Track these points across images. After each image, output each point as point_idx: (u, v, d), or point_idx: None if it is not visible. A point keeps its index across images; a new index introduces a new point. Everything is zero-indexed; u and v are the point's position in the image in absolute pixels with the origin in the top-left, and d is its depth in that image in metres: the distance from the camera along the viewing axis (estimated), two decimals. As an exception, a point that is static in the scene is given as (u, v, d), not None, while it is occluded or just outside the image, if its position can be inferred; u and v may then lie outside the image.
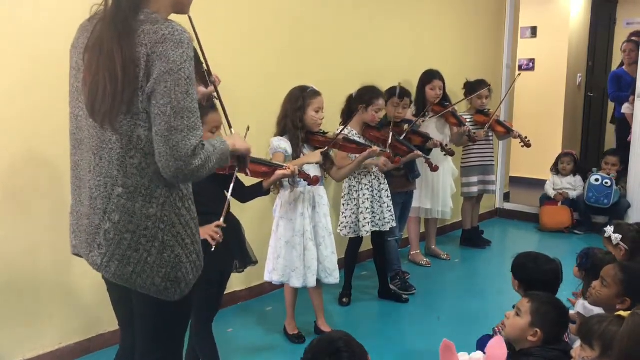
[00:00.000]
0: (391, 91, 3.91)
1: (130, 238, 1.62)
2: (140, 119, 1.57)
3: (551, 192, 5.79)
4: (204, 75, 2.04)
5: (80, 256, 1.78)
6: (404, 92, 3.93)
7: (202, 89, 2.37)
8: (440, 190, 4.63)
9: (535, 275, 2.67)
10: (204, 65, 2.07)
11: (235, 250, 2.63)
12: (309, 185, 3.07)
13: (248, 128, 2.46)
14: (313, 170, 3.15)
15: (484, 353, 2.06)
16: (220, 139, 1.75)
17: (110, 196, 1.61)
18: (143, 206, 1.61)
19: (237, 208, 2.59)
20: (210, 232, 2.37)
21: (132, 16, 1.56)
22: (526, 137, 4.85)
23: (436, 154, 4.34)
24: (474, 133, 4.66)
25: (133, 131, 1.58)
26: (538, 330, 2.15)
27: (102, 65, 1.55)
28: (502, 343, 1.89)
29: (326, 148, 3.15)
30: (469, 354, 2.08)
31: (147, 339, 1.81)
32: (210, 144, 1.65)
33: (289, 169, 2.76)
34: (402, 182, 4.07)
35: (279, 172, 2.73)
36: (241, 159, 1.95)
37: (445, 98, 4.50)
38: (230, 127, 2.09)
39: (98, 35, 1.59)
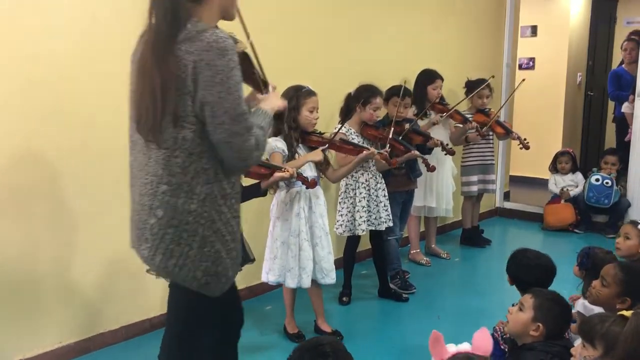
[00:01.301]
0: (393, 90, 3.91)
1: (173, 232, 1.71)
2: (187, 121, 1.67)
3: (555, 189, 5.79)
4: (257, 81, 1.99)
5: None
6: (405, 91, 3.92)
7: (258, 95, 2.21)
8: (443, 188, 4.63)
9: (523, 270, 2.70)
10: (258, 71, 2.01)
11: None
12: (306, 188, 3.07)
13: None
14: (310, 171, 3.16)
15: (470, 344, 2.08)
16: (263, 113, 1.83)
17: (155, 193, 1.71)
18: (185, 202, 1.70)
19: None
20: None
21: (174, 36, 1.65)
22: (525, 139, 4.85)
23: (436, 153, 4.34)
24: (476, 132, 4.64)
25: (178, 133, 1.67)
26: (540, 325, 2.17)
27: (144, 87, 1.67)
28: (487, 334, 1.92)
29: (326, 146, 3.14)
30: (456, 345, 2.10)
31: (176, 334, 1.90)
32: (260, 127, 1.76)
33: (287, 171, 2.77)
34: (403, 180, 4.07)
35: (277, 174, 2.73)
36: (280, 116, 2.00)
37: (441, 98, 4.50)
38: (265, 85, 2.03)
39: (140, 57, 1.72)
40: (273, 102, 1.92)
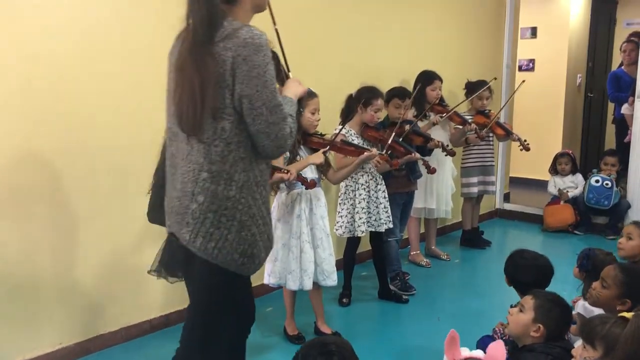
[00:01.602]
0: (394, 92, 3.91)
1: (213, 217, 1.82)
2: (226, 113, 1.78)
3: (554, 191, 5.79)
4: (282, 76, 2.10)
5: (173, 236, 1.96)
6: (405, 93, 3.92)
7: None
8: (443, 190, 4.63)
9: (521, 271, 2.73)
10: (284, 67, 2.15)
11: None
12: (306, 188, 3.07)
13: None
14: (310, 173, 3.16)
15: (484, 352, 2.08)
16: (290, 101, 1.95)
17: (197, 180, 1.82)
18: (224, 189, 1.82)
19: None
20: None
21: (211, 37, 1.75)
22: (525, 141, 4.85)
23: (436, 154, 4.34)
24: (475, 134, 4.65)
25: (217, 124, 1.78)
26: (541, 326, 2.18)
27: (184, 87, 1.78)
28: (503, 346, 1.92)
29: (327, 148, 3.14)
30: (470, 350, 2.10)
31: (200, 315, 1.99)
32: (290, 116, 1.88)
33: (287, 172, 2.76)
34: (403, 182, 4.06)
35: (277, 175, 2.74)
36: (301, 100, 2.10)
37: (441, 99, 4.50)
38: (289, 70, 2.16)
39: (178, 58, 1.83)
40: (295, 88, 2.03)
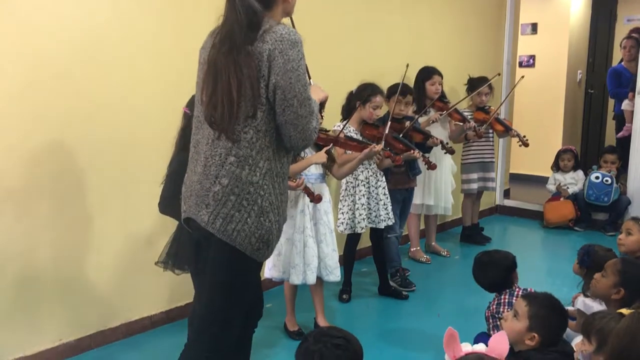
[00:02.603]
0: (394, 88, 3.91)
1: (235, 200, 1.88)
2: (259, 102, 1.85)
3: (553, 189, 5.79)
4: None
5: (188, 222, 2.03)
6: (406, 89, 3.92)
7: None
8: (442, 186, 4.63)
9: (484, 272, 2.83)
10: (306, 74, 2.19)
11: None
12: (310, 202, 3.09)
13: None
14: (315, 169, 3.18)
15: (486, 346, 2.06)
16: (314, 102, 1.99)
17: (223, 164, 1.89)
18: (249, 174, 1.89)
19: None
20: None
21: (251, 40, 1.83)
22: (524, 137, 4.85)
23: (435, 152, 4.34)
24: (474, 132, 4.65)
25: (249, 112, 1.85)
26: (536, 335, 2.12)
27: (220, 90, 1.84)
28: (505, 338, 1.89)
29: (330, 146, 3.15)
30: (472, 345, 2.08)
31: (212, 296, 2.01)
32: (315, 113, 1.95)
33: (294, 182, 2.81)
34: (403, 178, 4.07)
35: None
36: (322, 105, 2.17)
37: (442, 95, 4.50)
38: (310, 77, 2.18)
39: (214, 61, 1.88)
40: (317, 93, 2.09)
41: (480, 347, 2.05)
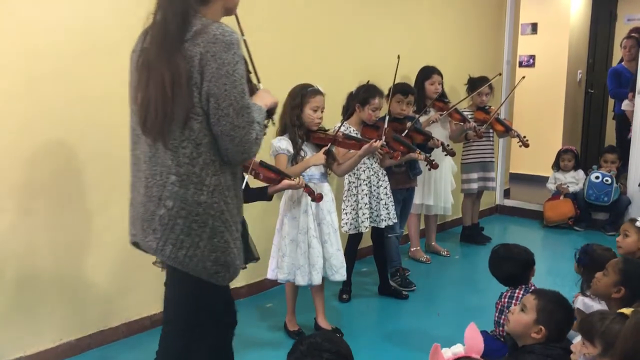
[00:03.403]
0: (395, 88, 3.91)
1: (183, 223, 1.73)
2: (194, 112, 1.69)
3: (553, 187, 5.79)
4: (251, 88, 2.05)
5: (138, 245, 1.88)
6: (408, 89, 3.92)
7: None
8: (442, 186, 4.63)
9: (503, 266, 2.81)
10: (254, 78, 2.07)
11: None
12: (312, 201, 3.08)
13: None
14: (316, 167, 3.17)
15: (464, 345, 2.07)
16: (259, 109, 1.85)
17: (165, 184, 1.73)
18: (194, 193, 1.73)
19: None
20: None
21: (183, 36, 1.68)
22: (525, 137, 4.84)
23: (435, 152, 4.34)
24: (474, 133, 4.65)
25: (185, 125, 1.69)
26: (542, 328, 2.16)
27: (153, 87, 1.68)
28: (477, 331, 1.90)
29: (329, 146, 3.15)
30: (450, 347, 2.09)
31: (179, 321, 1.92)
32: (257, 123, 1.79)
33: (296, 181, 2.79)
34: (403, 178, 4.06)
35: (285, 182, 2.76)
36: (271, 112, 2.03)
37: (443, 95, 4.50)
38: (259, 82, 2.08)
39: (146, 57, 1.73)
40: (265, 98, 1.95)
41: (458, 349, 2.06)
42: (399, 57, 3.55)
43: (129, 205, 1.90)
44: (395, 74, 3.60)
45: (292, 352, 1.81)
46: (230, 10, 1.87)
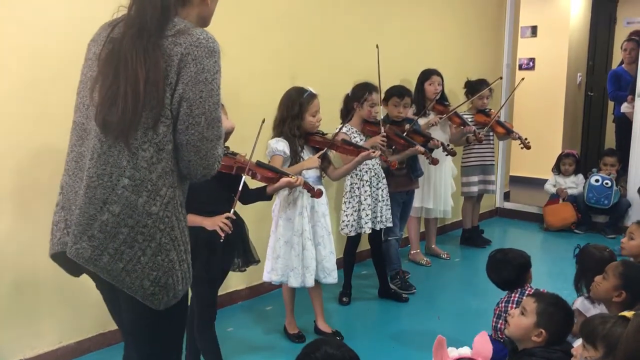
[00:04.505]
0: (392, 90, 3.91)
1: (127, 233, 1.56)
2: (163, 114, 1.55)
3: (552, 189, 5.79)
4: None
5: (58, 258, 1.75)
6: (404, 91, 3.92)
7: None
8: (442, 189, 4.63)
9: (501, 270, 2.79)
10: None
11: (238, 249, 2.64)
12: (311, 197, 3.07)
13: (263, 121, 2.56)
14: (311, 170, 3.17)
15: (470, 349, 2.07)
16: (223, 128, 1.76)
17: (114, 187, 1.55)
18: (146, 202, 1.56)
19: (237, 207, 2.58)
20: (219, 222, 2.41)
21: (161, 31, 1.57)
22: (526, 139, 4.85)
23: (435, 153, 4.34)
24: (474, 137, 4.66)
25: (154, 125, 1.55)
26: (543, 331, 2.15)
27: (124, 81, 1.54)
28: (487, 339, 1.90)
29: (324, 150, 3.15)
30: (457, 349, 2.09)
31: (140, 346, 1.78)
32: (222, 141, 1.70)
33: (295, 178, 2.78)
34: (404, 181, 4.06)
35: (284, 180, 2.75)
36: (226, 136, 1.96)
37: (443, 97, 4.51)
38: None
39: (115, 48, 1.59)
40: (224, 121, 1.79)
41: (464, 351, 2.06)
42: (377, 46, 3.54)
43: (56, 208, 1.73)
44: (378, 65, 3.59)
45: (304, 357, 1.78)
46: (204, 20, 1.75)
